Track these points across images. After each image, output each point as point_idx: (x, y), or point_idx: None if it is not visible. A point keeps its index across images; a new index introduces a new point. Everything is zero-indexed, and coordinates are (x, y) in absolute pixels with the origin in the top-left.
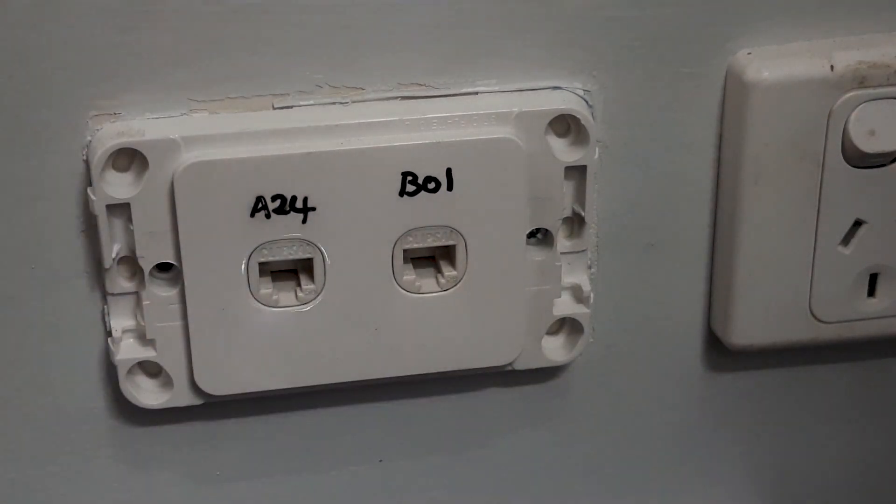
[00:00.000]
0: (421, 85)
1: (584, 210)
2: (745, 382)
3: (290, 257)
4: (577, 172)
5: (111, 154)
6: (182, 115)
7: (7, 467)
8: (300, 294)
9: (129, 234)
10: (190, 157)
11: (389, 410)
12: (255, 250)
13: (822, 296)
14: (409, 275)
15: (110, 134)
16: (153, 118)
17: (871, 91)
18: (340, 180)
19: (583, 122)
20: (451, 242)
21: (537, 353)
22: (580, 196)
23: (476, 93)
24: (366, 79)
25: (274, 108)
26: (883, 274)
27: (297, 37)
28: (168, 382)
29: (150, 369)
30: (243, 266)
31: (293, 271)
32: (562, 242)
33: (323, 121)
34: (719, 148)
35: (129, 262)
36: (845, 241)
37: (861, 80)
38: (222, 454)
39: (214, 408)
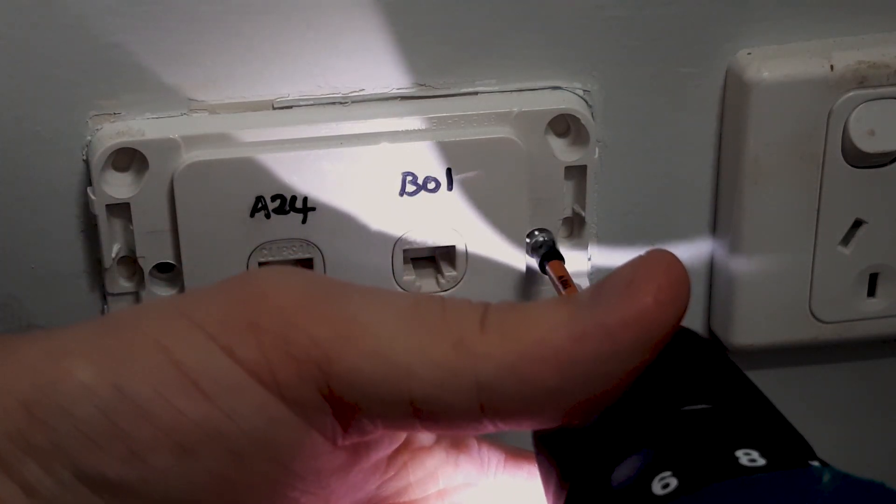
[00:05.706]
0: (421, 85)
1: (584, 210)
2: None
3: (290, 257)
4: (577, 172)
5: (111, 154)
6: (182, 115)
7: None
8: None
9: (129, 234)
10: (190, 157)
11: None
12: (255, 250)
13: (822, 296)
14: (409, 275)
15: (110, 134)
16: (153, 118)
17: (871, 91)
18: (340, 180)
19: (583, 121)
20: (450, 242)
21: None
22: (580, 196)
23: (476, 93)
24: (366, 79)
25: (274, 108)
26: (883, 274)
27: (297, 37)
28: None
29: None
30: (243, 266)
31: None
32: (562, 242)
33: (323, 120)
34: (719, 148)
35: (129, 262)
36: (845, 241)
37: (861, 80)
38: None
39: None
